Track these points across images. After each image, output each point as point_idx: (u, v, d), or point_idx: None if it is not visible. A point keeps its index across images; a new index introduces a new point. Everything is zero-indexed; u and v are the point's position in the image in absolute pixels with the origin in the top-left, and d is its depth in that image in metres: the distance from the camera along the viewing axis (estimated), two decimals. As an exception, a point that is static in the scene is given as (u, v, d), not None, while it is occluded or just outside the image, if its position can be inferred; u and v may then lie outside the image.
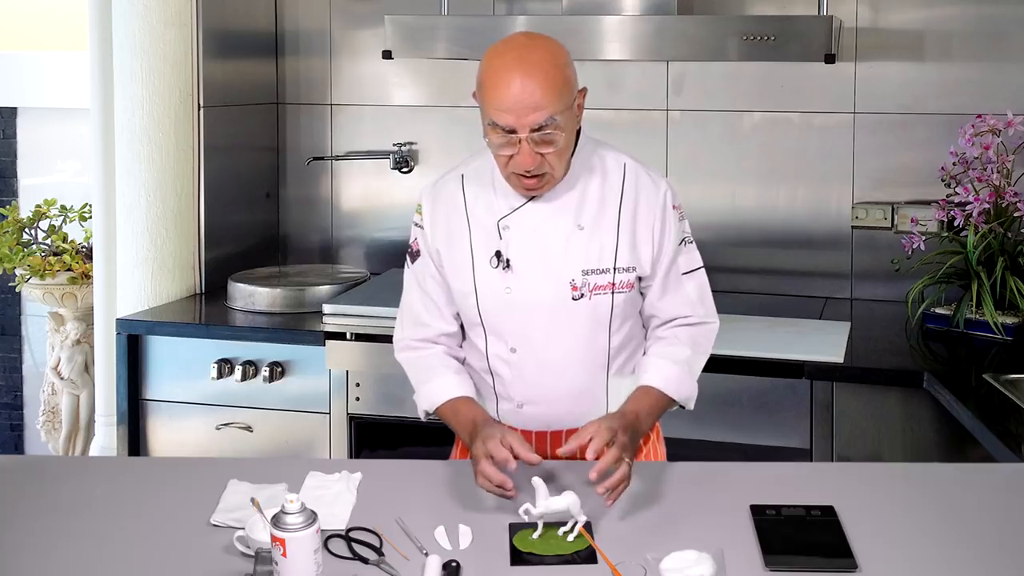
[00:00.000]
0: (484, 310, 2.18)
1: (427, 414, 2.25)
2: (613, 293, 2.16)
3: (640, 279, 2.20)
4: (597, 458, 1.92)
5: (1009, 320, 3.09)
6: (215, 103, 3.62)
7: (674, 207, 2.21)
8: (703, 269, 2.27)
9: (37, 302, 4.15)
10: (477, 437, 2.02)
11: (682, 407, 2.22)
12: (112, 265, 3.58)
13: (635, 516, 1.93)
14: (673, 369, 2.17)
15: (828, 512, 1.91)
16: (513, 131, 2.03)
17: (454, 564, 1.75)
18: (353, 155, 3.92)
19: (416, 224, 2.27)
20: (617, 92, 3.66)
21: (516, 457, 1.97)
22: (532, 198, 2.17)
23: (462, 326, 2.28)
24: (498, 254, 2.17)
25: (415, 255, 2.28)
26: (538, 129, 2.03)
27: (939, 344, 3.10)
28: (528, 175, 2.08)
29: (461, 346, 2.29)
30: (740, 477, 2.10)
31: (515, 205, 2.17)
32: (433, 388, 2.22)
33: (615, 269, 2.16)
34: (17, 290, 4.14)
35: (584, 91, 2.15)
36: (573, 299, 2.15)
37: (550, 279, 2.15)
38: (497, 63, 2.06)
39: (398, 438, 3.20)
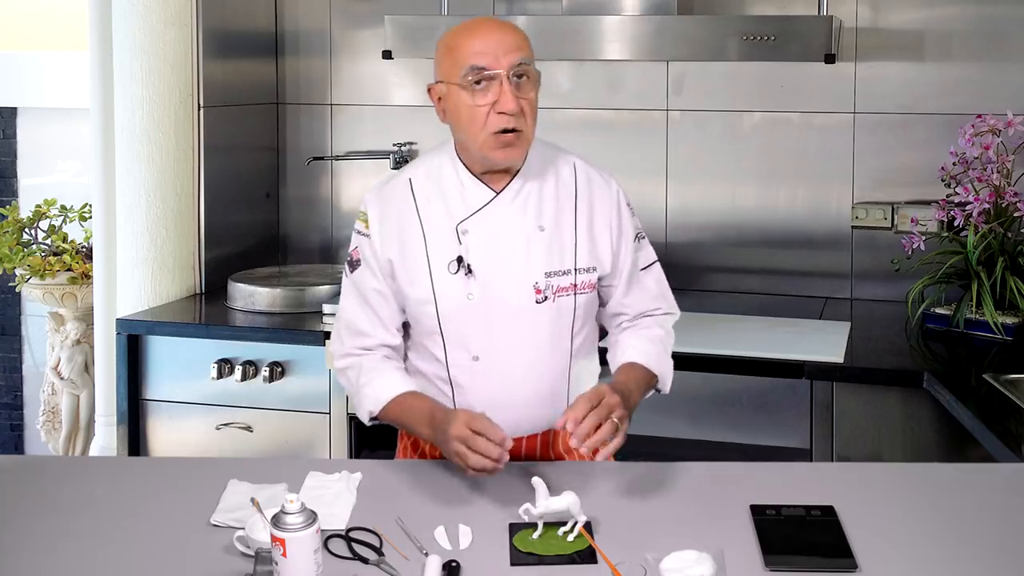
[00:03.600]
0: (444, 318, 2.14)
1: (371, 416, 2.18)
2: (575, 294, 2.15)
3: (600, 279, 2.20)
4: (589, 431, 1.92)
5: (1009, 320, 3.09)
6: (215, 103, 3.62)
7: (627, 204, 2.23)
8: (658, 262, 2.29)
9: (37, 302, 4.15)
10: (452, 421, 1.96)
11: (658, 390, 2.23)
12: (112, 265, 3.58)
13: (635, 516, 1.93)
14: (651, 346, 2.20)
15: (828, 512, 1.91)
16: (494, 73, 2.04)
17: (454, 564, 1.75)
18: (353, 155, 3.92)
19: (359, 232, 2.19)
20: (617, 92, 3.66)
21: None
22: (492, 199, 2.14)
23: (404, 340, 2.23)
24: (459, 259, 2.13)
25: (355, 264, 2.20)
26: (516, 70, 2.05)
27: (939, 344, 3.10)
28: (508, 128, 2.05)
29: (403, 360, 2.24)
30: (740, 477, 2.10)
31: (474, 207, 2.14)
32: (377, 387, 2.15)
33: (576, 270, 2.15)
34: (17, 290, 4.14)
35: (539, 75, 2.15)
36: (537, 302, 2.13)
37: (513, 283, 2.13)
38: (466, 25, 2.11)
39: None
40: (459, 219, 2.14)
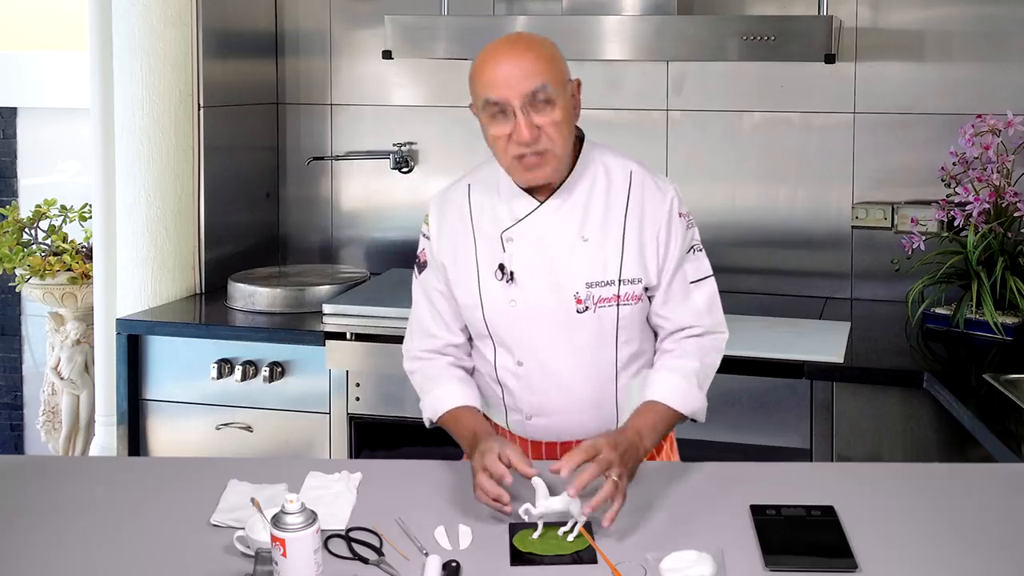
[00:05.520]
0: (490, 323, 2.17)
1: (431, 422, 2.24)
2: (619, 305, 2.14)
3: (647, 290, 2.17)
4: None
5: (1009, 320, 3.09)
6: (215, 103, 3.62)
7: (681, 215, 2.17)
8: (712, 278, 2.23)
9: (37, 302, 4.15)
10: (476, 450, 2.01)
11: (693, 420, 2.20)
12: (112, 265, 3.58)
13: (635, 516, 1.93)
14: (680, 383, 2.14)
15: (828, 512, 1.91)
16: (507, 105, 2.03)
17: (454, 564, 1.75)
18: (353, 155, 3.92)
19: (424, 235, 2.26)
20: (617, 92, 3.66)
21: (511, 468, 1.94)
22: (536, 208, 2.14)
23: (470, 338, 2.27)
24: (501, 267, 2.15)
25: (422, 266, 2.27)
26: (532, 97, 2.02)
27: (939, 344, 3.10)
28: (528, 153, 2.05)
29: (470, 355, 2.28)
30: (740, 477, 2.10)
31: (519, 216, 2.15)
32: (437, 396, 2.21)
33: (620, 281, 2.13)
34: (17, 290, 4.14)
35: (578, 83, 2.15)
36: (578, 312, 2.13)
37: (554, 292, 2.13)
38: (487, 50, 2.09)
39: (398, 438, 3.20)
40: (505, 227, 2.16)
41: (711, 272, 2.23)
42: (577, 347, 2.15)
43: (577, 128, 2.20)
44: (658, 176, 2.21)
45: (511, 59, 2.04)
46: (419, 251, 2.28)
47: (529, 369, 2.17)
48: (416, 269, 2.29)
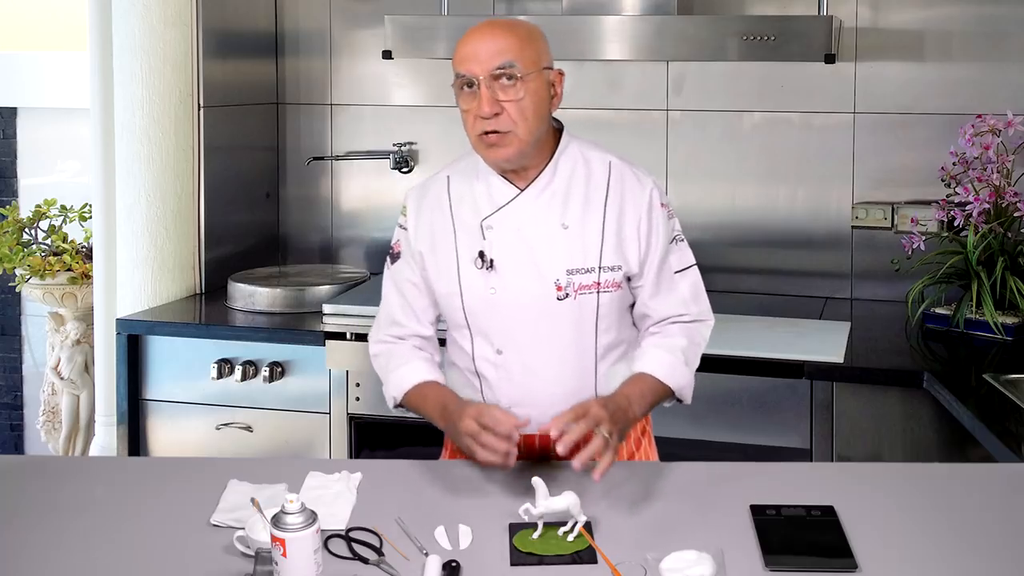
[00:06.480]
0: (469, 311, 2.18)
1: (395, 402, 2.24)
2: (599, 293, 2.15)
3: (628, 279, 2.19)
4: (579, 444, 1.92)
5: (1009, 320, 3.09)
6: (215, 103, 3.62)
7: (662, 205, 2.20)
8: (696, 267, 2.26)
9: (37, 302, 4.15)
10: (463, 415, 2.01)
11: (679, 400, 2.21)
12: (112, 265, 3.58)
13: (635, 516, 1.93)
14: (667, 357, 2.16)
15: (828, 512, 1.91)
16: (474, 80, 2.06)
17: (454, 564, 1.75)
18: (353, 155, 3.92)
19: (400, 225, 2.27)
20: (617, 92, 3.66)
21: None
22: (516, 196, 2.15)
23: (440, 339, 2.27)
24: (481, 254, 2.16)
25: (395, 256, 2.28)
26: (498, 72, 2.05)
27: (939, 344, 3.10)
28: (489, 130, 2.07)
29: (437, 351, 2.27)
30: (740, 477, 2.10)
31: (499, 204, 2.17)
32: (401, 374, 2.21)
33: (600, 268, 2.15)
34: (17, 290, 4.14)
35: (561, 73, 2.16)
36: (558, 299, 2.14)
37: (534, 279, 2.14)
38: (468, 30, 2.13)
39: (398, 438, 3.20)
40: (485, 215, 2.17)
41: (694, 261, 2.26)
42: (557, 335, 2.16)
43: (557, 120, 2.22)
44: (637, 168, 2.23)
45: (484, 36, 2.09)
46: (393, 242, 2.28)
47: (509, 358, 2.17)
48: (389, 260, 2.29)
